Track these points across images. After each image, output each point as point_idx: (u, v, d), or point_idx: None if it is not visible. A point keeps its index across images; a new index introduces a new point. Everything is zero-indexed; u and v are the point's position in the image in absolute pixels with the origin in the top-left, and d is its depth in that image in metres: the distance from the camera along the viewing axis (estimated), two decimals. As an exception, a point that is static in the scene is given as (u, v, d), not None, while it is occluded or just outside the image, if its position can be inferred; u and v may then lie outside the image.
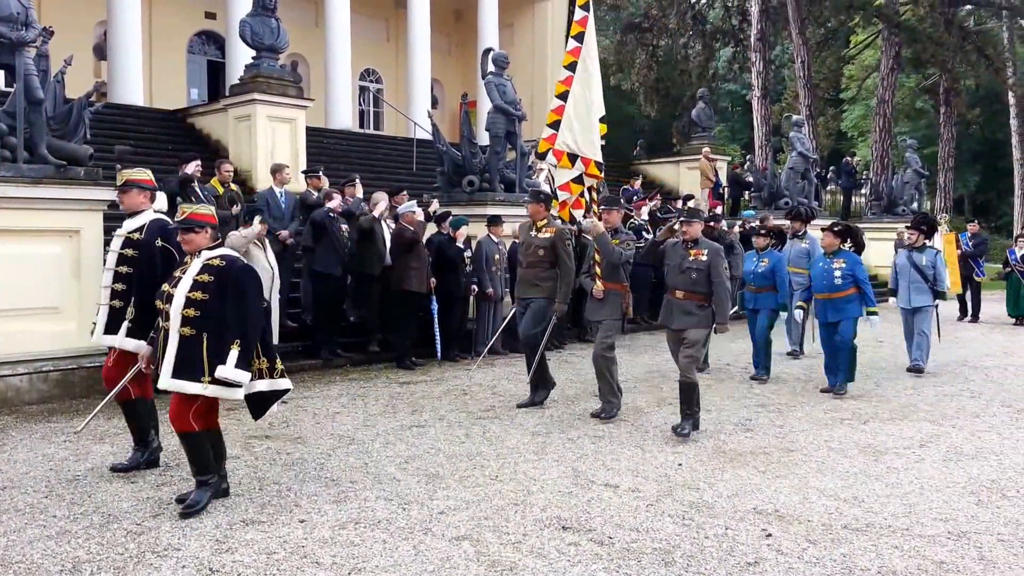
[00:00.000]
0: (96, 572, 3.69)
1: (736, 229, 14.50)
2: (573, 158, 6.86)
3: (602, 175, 7.06)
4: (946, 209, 29.62)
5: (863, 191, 21.96)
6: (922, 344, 9.19)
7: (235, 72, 15.37)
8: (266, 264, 7.82)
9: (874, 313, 7.97)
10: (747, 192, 18.74)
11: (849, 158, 22.65)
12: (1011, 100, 31.62)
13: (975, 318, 14.83)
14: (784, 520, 4.47)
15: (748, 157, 23.89)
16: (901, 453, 5.87)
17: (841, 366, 7.92)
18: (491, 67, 11.45)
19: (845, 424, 6.74)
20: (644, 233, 12.48)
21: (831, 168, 21.98)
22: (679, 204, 14.71)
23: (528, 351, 7.25)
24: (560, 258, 7.13)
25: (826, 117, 32.48)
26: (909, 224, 10.10)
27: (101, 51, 18.51)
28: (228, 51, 18.22)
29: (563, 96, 6.86)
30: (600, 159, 6.92)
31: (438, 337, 9.48)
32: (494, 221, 10.17)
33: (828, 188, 21.95)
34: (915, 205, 20.14)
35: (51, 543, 4.01)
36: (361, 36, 21.52)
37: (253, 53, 12.93)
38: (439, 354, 9.51)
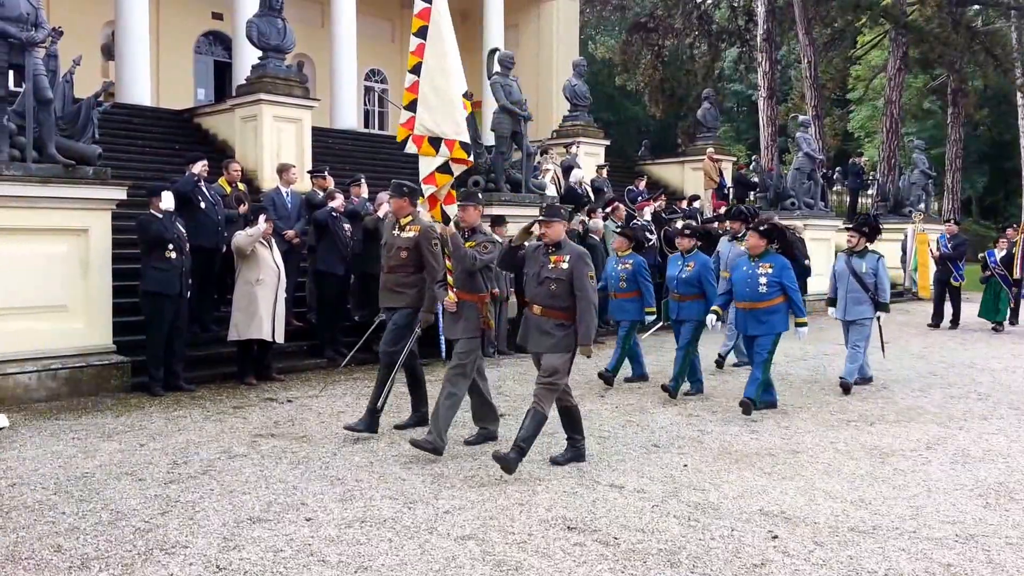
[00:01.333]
0: (104, 569, 3.71)
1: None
2: (436, 143, 5.75)
3: (470, 159, 5.98)
4: (953, 210, 29.54)
5: (869, 192, 21.90)
6: (855, 358, 8.20)
7: (242, 72, 15.40)
8: (272, 264, 7.85)
9: (803, 324, 7.15)
10: (752, 193, 18.70)
11: (856, 158, 22.54)
12: (1019, 100, 31.48)
13: (955, 324, 13.73)
14: (790, 522, 4.47)
15: (754, 158, 23.84)
16: (908, 455, 5.86)
17: (750, 382, 7.04)
18: (497, 67, 11.46)
19: (852, 426, 6.73)
20: (648, 235, 12.47)
21: (837, 169, 21.93)
22: (684, 204, 14.72)
23: (383, 371, 6.11)
24: (426, 260, 6.04)
25: (833, 117, 32.42)
26: (850, 225, 9.27)
27: (109, 51, 18.57)
28: (235, 51, 18.25)
29: (416, 69, 5.82)
30: (467, 139, 5.84)
31: (443, 337, 9.48)
32: (499, 221, 10.17)
33: (834, 189, 21.88)
34: (922, 206, 20.07)
35: (60, 539, 4.04)
36: (367, 36, 21.53)
37: (259, 53, 12.96)
38: (443, 354, 9.51)
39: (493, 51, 12.02)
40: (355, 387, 7.99)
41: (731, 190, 18.62)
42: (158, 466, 5.28)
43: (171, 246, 7.47)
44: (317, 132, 14.65)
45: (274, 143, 12.80)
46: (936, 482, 5.24)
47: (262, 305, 7.69)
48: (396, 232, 6.24)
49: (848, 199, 21.22)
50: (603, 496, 4.83)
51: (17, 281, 7.15)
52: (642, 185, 15.77)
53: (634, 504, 4.70)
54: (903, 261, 17.25)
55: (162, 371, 7.56)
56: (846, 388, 8.00)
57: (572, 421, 5.53)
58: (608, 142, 18.22)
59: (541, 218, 5.37)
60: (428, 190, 5.84)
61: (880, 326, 8.46)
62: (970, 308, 14.24)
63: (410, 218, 6.24)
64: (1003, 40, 29.75)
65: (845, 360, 8.35)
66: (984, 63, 26.85)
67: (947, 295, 13.88)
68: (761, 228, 7.19)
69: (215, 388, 7.76)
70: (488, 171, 11.23)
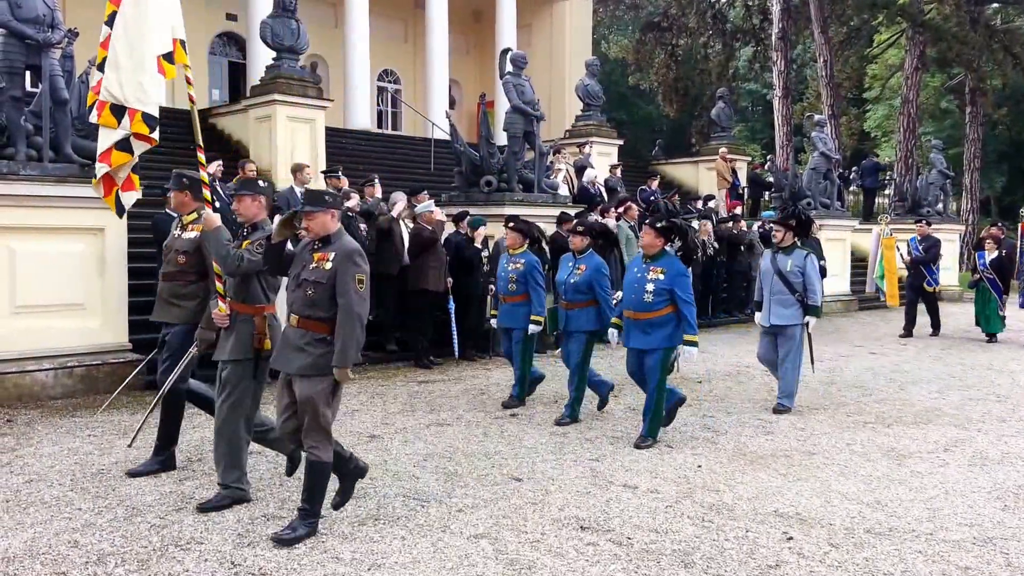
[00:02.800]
0: (120, 564, 3.73)
1: (755, 228, 14.45)
2: (119, 112, 4.69)
3: (154, 136, 4.92)
4: (972, 210, 29.27)
5: (886, 192, 21.73)
6: (788, 376, 7.14)
7: (256, 73, 15.48)
8: (287, 263, 7.86)
9: (692, 343, 5.89)
10: (767, 192, 18.61)
11: (873, 156, 22.36)
12: (1038, 99, 31.15)
13: (935, 332, 12.72)
14: (806, 523, 4.44)
15: (769, 157, 23.72)
16: (925, 457, 5.80)
17: (645, 411, 6.05)
18: (509, 67, 11.45)
19: (868, 428, 6.68)
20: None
21: (854, 168, 21.78)
22: (699, 204, 14.65)
23: (168, 408, 5.20)
24: (209, 266, 4.80)
25: (849, 117, 32.17)
26: (773, 220, 8.46)
27: (125, 52, 18.67)
28: (249, 52, 18.34)
29: (111, 20, 4.80)
30: (154, 111, 4.81)
31: (455, 336, 9.49)
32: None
33: (851, 189, 21.72)
34: (940, 206, 19.88)
35: (76, 535, 4.06)
36: (380, 37, 21.58)
37: (273, 54, 13.01)
38: (457, 353, 9.52)
39: (506, 51, 12.01)
40: (368, 386, 8.00)
41: (745, 190, 18.54)
42: (172, 463, 5.29)
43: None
44: (331, 132, 14.69)
45: (288, 143, 12.85)
46: (954, 484, 5.18)
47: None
48: (177, 232, 5.17)
49: (864, 199, 21.04)
50: (616, 496, 4.81)
51: (34, 280, 7.22)
52: (655, 185, 15.73)
53: (648, 504, 4.68)
54: (871, 265, 15.95)
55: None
56: (784, 411, 7.06)
57: (312, 480, 4.09)
58: (621, 142, 18.17)
59: (304, 207, 4.26)
60: (101, 169, 4.84)
61: (809, 334, 7.28)
62: (957, 315, 13.98)
63: (194, 216, 5.10)
64: (1022, 38, 29.44)
65: (779, 380, 7.27)
66: (1003, 61, 26.58)
67: (920, 302, 12.78)
68: (657, 225, 6.04)
69: (229, 387, 7.78)
70: (500, 171, 11.22)
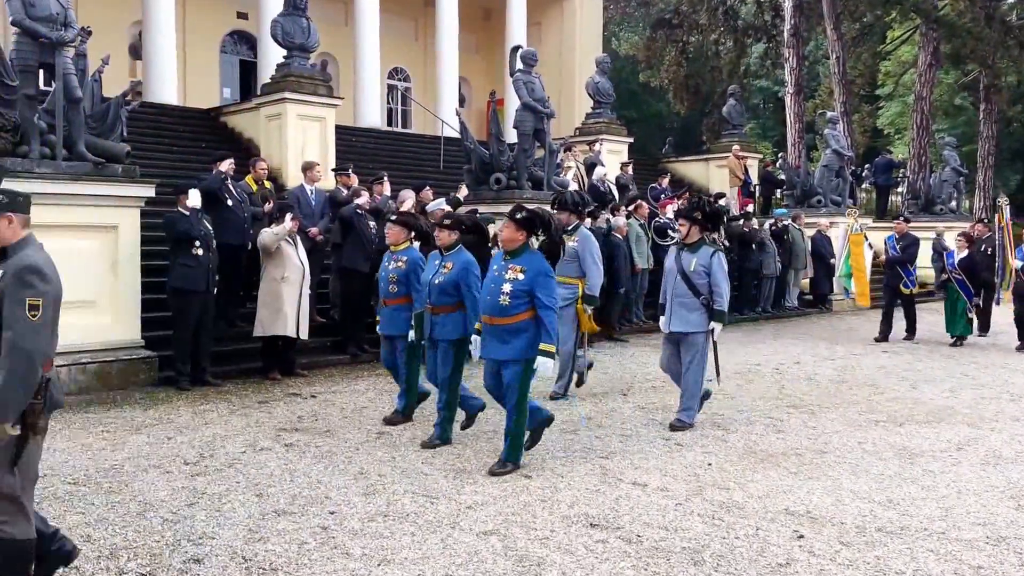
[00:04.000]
0: (133, 559, 3.76)
1: (767, 226, 14.40)
2: None
3: None
4: (985, 208, 29.02)
5: (899, 189, 21.60)
6: (689, 389, 6.36)
7: (266, 71, 15.52)
8: (297, 261, 7.91)
9: (548, 354, 5.06)
10: (779, 190, 18.52)
11: (887, 153, 22.21)
12: (1053, 97, 30.87)
13: (910, 335, 11.87)
14: (816, 522, 4.42)
15: (780, 155, 23.61)
16: (938, 456, 5.77)
17: (506, 433, 5.23)
18: (519, 64, 11.44)
19: (880, 426, 6.64)
20: (670, 232, 12.39)
21: (866, 166, 21.66)
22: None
23: None
24: None
25: (861, 114, 31.95)
26: (676, 212, 7.72)
27: (136, 51, 18.79)
28: (260, 50, 18.39)
29: None
30: None
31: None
32: (523, 218, 10.15)
33: (863, 186, 21.60)
34: (954, 204, 19.75)
35: (89, 530, 4.09)
36: (390, 35, 21.61)
37: (284, 52, 13.05)
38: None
39: (516, 48, 12.01)
40: (377, 383, 8.02)
41: (757, 188, 18.46)
42: (185, 459, 5.34)
43: (198, 243, 7.55)
44: (341, 130, 14.72)
45: (298, 141, 12.89)
46: (967, 483, 5.15)
47: (287, 302, 7.75)
48: None
49: (877, 196, 20.92)
50: (626, 494, 4.81)
51: (48, 277, 7.26)
52: (665, 183, 15.69)
53: (657, 502, 4.68)
54: (834, 265, 14.79)
55: (189, 366, 7.65)
56: (680, 428, 6.26)
57: (5, 564, 3.12)
58: (631, 139, 18.12)
59: None
60: None
61: (715, 342, 6.41)
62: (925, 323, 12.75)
63: None
64: (1038, 35, 29.17)
65: (680, 393, 6.47)
66: (1018, 58, 26.35)
67: (896, 304, 11.89)
68: (517, 216, 5.13)
69: (240, 383, 7.83)
70: (510, 169, 11.22)
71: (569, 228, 7.22)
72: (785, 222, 14.57)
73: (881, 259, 12.74)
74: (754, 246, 13.74)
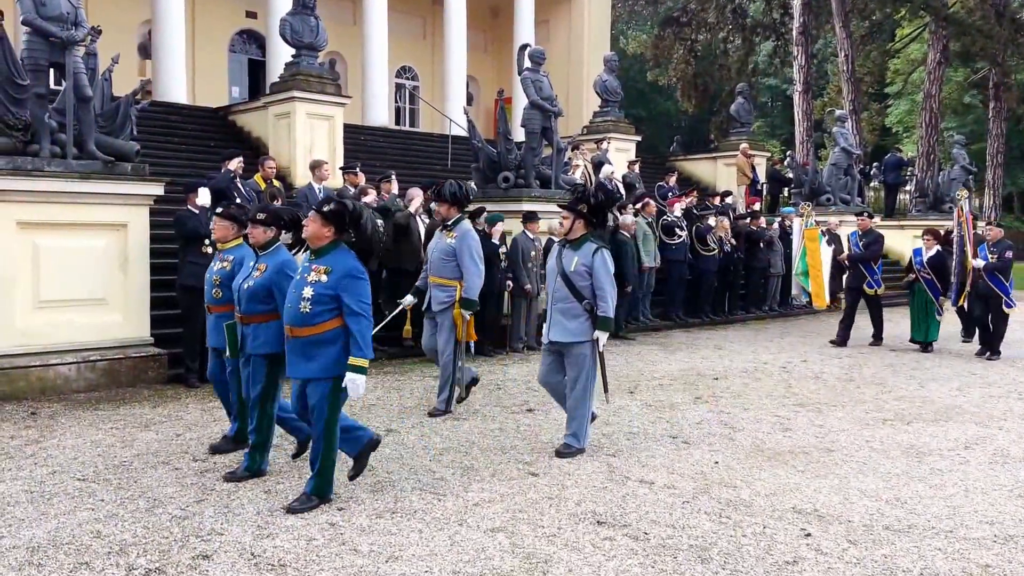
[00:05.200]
0: (142, 554, 3.78)
1: (775, 226, 14.36)
2: None
3: None
4: (995, 207, 28.89)
5: (907, 188, 21.53)
6: (577, 408, 5.53)
7: (275, 70, 15.58)
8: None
9: (358, 369, 4.36)
10: (787, 188, 18.47)
11: (896, 151, 22.11)
12: (1064, 95, 30.69)
13: (877, 340, 11.19)
14: (824, 520, 4.42)
15: (788, 153, 23.55)
16: (945, 455, 5.76)
17: (312, 462, 4.49)
18: (527, 63, 11.44)
19: (887, 425, 6.63)
20: (677, 231, 12.39)
21: (875, 164, 21.58)
22: (716, 201, 14.60)
23: None
24: None
25: (870, 112, 31.88)
26: (560, 204, 6.66)
27: (146, 50, 18.88)
28: (268, 49, 18.45)
29: None
30: None
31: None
32: (529, 217, 10.18)
33: (872, 184, 21.53)
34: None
35: (99, 526, 4.13)
36: (398, 33, 21.64)
37: (293, 51, 13.09)
38: (473, 349, 9.53)
39: (524, 47, 12.01)
40: (385, 380, 8.04)
41: (765, 186, 18.42)
42: (194, 455, 5.37)
43: (207, 241, 7.58)
44: (349, 129, 14.77)
45: (307, 140, 12.93)
46: (974, 482, 5.14)
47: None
48: None
49: (885, 194, 20.85)
50: (633, 491, 4.82)
51: (58, 275, 7.32)
52: (673, 181, 15.66)
53: (664, 500, 4.68)
54: (789, 263, 13.69)
55: (198, 363, 7.68)
56: (568, 454, 5.48)
57: None
58: (639, 138, 18.11)
59: None
60: None
61: (600, 353, 5.51)
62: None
63: None
64: (1048, 32, 29.00)
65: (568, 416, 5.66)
66: (1028, 56, 26.23)
67: (867, 305, 11.30)
68: (324, 209, 4.44)
69: (249, 381, 7.85)
70: (518, 167, 11.23)
71: (449, 223, 6.61)
72: (791, 220, 14.52)
73: (842, 257, 11.97)
74: (762, 244, 13.72)
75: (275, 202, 9.21)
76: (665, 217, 12.60)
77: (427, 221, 9.48)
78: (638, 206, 12.18)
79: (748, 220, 14.05)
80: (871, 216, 12.16)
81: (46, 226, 7.31)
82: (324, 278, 4.36)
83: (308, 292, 4.35)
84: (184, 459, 5.30)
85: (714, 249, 12.76)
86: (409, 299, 6.92)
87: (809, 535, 4.19)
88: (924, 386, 8.29)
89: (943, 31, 25.44)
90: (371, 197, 9.19)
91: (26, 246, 7.20)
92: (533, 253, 10.04)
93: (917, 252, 10.88)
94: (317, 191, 9.56)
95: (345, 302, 4.36)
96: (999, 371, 9.26)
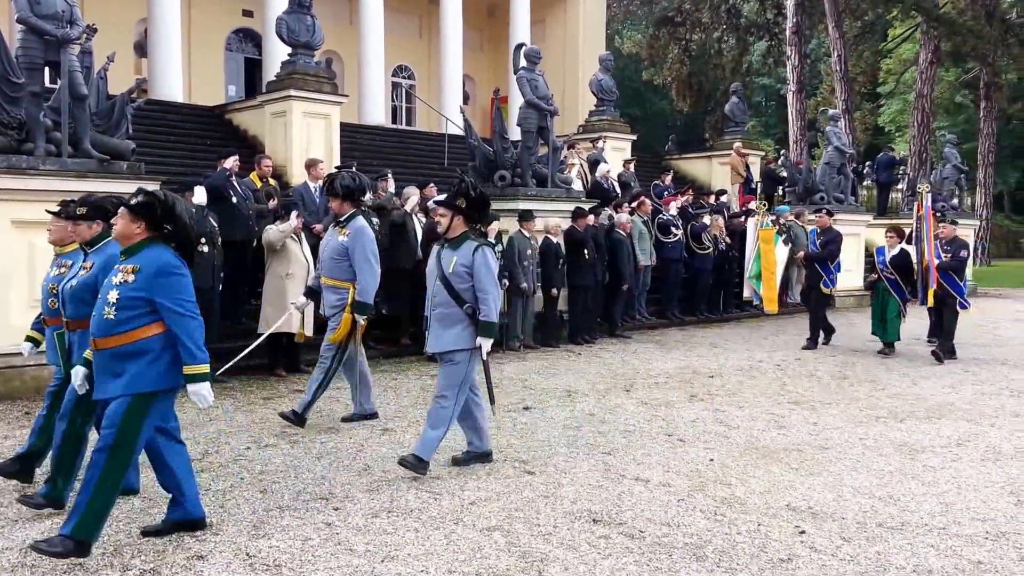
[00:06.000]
0: (137, 555, 3.79)
1: (769, 223, 14.38)
2: None
3: None
4: (986, 205, 29.01)
5: (900, 187, 21.61)
6: (438, 418, 5.00)
7: (271, 69, 15.57)
8: (302, 258, 7.93)
9: (198, 378, 3.84)
10: (781, 187, 18.52)
11: (889, 150, 22.21)
12: (1055, 94, 30.86)
13: (813, 343, 10.68)
14: (818, 517, 4.45)
15: (782, 152, 23.61)
16: (938, 452, 5.79)
17: (83, 493, 3.68)
18: (523, 62, 11.46)
19: (881, 422, 6.67)
20: (673, 229, 12.43)
21: (868, 163, 21.66)
22: (711, 199, 14.63)
23: None
24: None
25: (863, 112, 32.00)
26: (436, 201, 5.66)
27: (142, 48, 18.83)
28: (265, 48, 18.42)
29: None
30: None
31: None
32: (525, 216, 10.20)
33: (865, 183, 21.61)
34: (955, 201, 19.75)
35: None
36: (394, 32, 21.62)
37: (289, 50, 13.08)
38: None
39: (519, 46, 12.02)
40: (381, 380, 8.05)
41: (759, 185, 18.47)
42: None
43: (203, 240, 7.58)
44: (345, 128, 14.74)
45: (303, 138, 12.92)
46: (967, 479, 5.17)
47: (292, 299, 7.78)
48: None
49: (878, 193, 20.94)
50: (628, 489, 4.84)
51: (53, 274, 7.30)
52: (668, 180, 15.70)
53: (660, 498, 4.71)
54: (742, 263, 13.05)
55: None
56: (413, 467, 4.94)
57: None
58: (635, 137, 18.14)
59: None
60: None
61: (485, 362, 5.06)
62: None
63: None
64: (1039, 32, 29.13)
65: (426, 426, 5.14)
66: (1018, 56, 26.36)
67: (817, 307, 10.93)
68: (132, 202, 3.86)
69: (245, 380, 7.86)
70: (514, 166, 11.25)
71: (341, 219, 6.07)
72: (788, 219, 14.57)
73: (800, 255, 11.56)
74: (756, 243, 13.74)
75: (271, 201, 9.24)
76: (661, 216, 12.63)
77: (423, 220, 9.50)
78: (634, 205, 12.22)
79: (743, 219, 14.09)
80: (831, 214, 11.87)
81: (41, 225, 7.26)
82: (131, 278, 3.73)
83: (113, 296, 3.72)
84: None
85: (709, 248, 12.80)
86: (302, 301, 6.45)
87: (803, 532, 4.21)
88: (917, 384, 8.33)
89: (934, 31, 25.55)
90: (367, 196, 9.20)
91: (22, 245, 7.19)
92: (529, 252, 10.06)
93: (880, 251, 10.40)
94: (313, 190, 9.57)
95: (161, 303, 3.72)
96: (991, 369, 9.31)
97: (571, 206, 11.06)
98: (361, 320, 6.09)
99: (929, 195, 10.72)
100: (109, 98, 8.17)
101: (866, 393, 7.84)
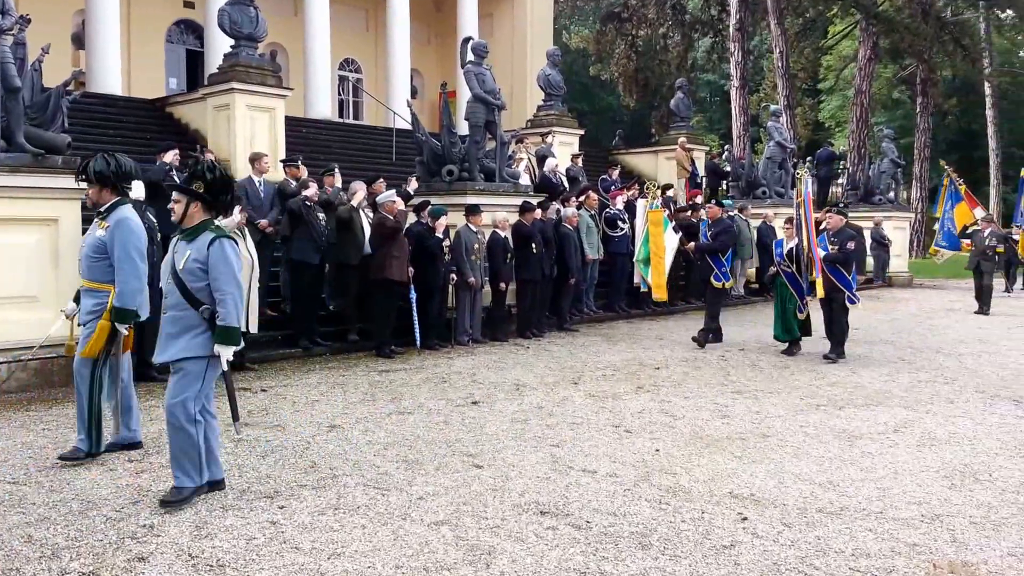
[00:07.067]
0: (75, 558, 3.69)
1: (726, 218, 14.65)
2: None
3: None
4: (922, 198, 29.93)
5: (840, 181, 22.18)
6: (184, 445, 4.37)
7: (214, 61, 15.23)
8: (246, 254, 7.79)
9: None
10: (725, 182, 18.85)
11: (829, 145, 22.79)
12: (987, 90, 32.02)
13: (703, 340, 10.08)
14: (760, 504, 4.54)
15: (726, 147, 24.02)
16: (876, 438, 5.97)
17: None
18: (471, 56, 11.43)
19: (821, 410, 6.84)
20: (620, 223, 12.54)
21: (808, 158, 22.18)
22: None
23: None
24: None
25: (804, 107, 32.77)
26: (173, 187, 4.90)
27: (79, 40, 18.27)
28: (207, 40, 18.03)
29: None
30: None
31: (417, 326, 9.50)
32: (472, 210, 10.20)
33: (806, 178, 22.10)
34: (892, 194, 20.36)
35: (30, 530, 4.00)
36: (340, 25, 21.36)
37: (232, 42, 12.83)
38: (418, 343, 9.53)
39: (467, 40, 11.99)
40: (329, 376, 7.97)
41: (704, 179, 18.77)
42: (129, 456, 5.24)
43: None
44: (291, 121, 14.54)
45: (247, 132, 12.68)
46: (903, 464, 5.34)
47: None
48: None
49: (818, 187, 21.45)
50: (576, 481, 4.88)
51: (-16, 272, 7.05)
52: (615, 174, 15.84)
53: (606, 488, 4.76)
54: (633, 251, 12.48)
55: (134, 361, 7.48)
56: (168, 503, 4.29)
57: None
58: (582, 131, 18.25)
59: None
60: None
61: (226, 373, 4.44)
62: (907, 300, 11.79)
63: None
64: (971, 30, 30.22)
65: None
66: (952, 53, 27.25)
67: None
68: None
69: (188, 379, 7.69)
70: (462, 160, 11.22)
71: (102, 209, 5.15)
72: (731, 213, 14.83)
73: (690, 246, 10.99)
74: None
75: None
76: (608, 210, 12.74)
77: (371, 215, 9.42)
78: (580, 198, 12.30)
79: (688, 212, 14.29)
80: (722, 205, 11.48)
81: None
82: None
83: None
84: (119, 460, 5.17)
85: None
86: (71, 306, 5.42)
87: (746, 519, 4.30)
88: (856, 372, 8.57)
89: (873, 28, 26.25)
90: (312, 191, 9.10)
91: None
92: (476, 246, 10.06)
93: (779, 244, 9.93)
94: (258, 184, 9.42)
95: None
96: (927, 357, 9.62)
97: (519, 200, 11.08)
98: (123, 330, 5.06)
99: (808, 181, 10.23)
100: (44, 91, 7.90)
101: (807, 382, 8.04)
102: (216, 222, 4.48)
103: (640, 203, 11.87)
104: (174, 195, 4.46)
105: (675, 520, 4.27)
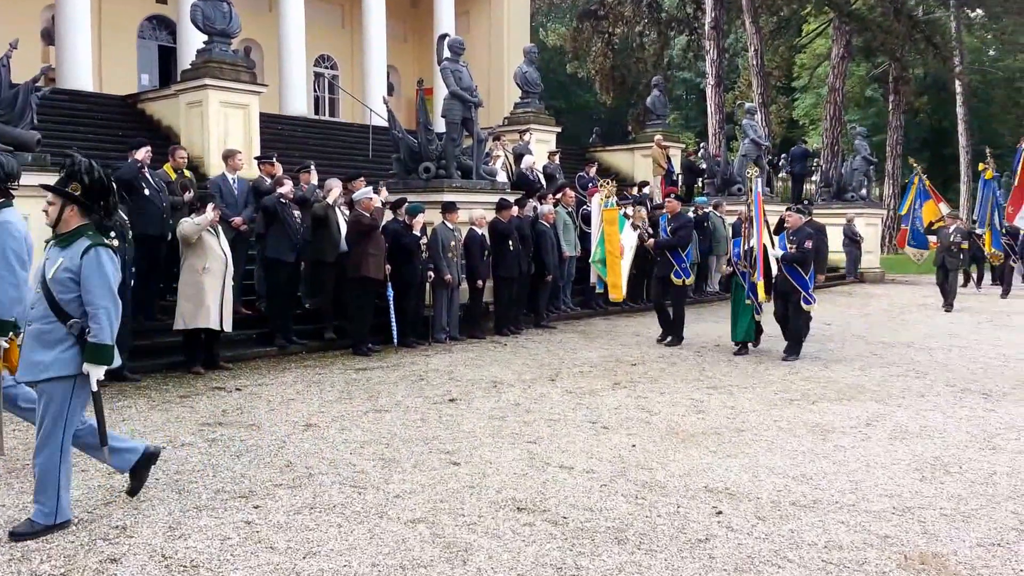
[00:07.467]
0: (46, 560, 3.64)
1: (689, 214, 14.71)
2: None
3: None
4: (894, 195, 30.31)
5: (813, 178, 22.42)
6: (49, 477, 3.93)
7: (187, 57, 15.07)
8: (219, 251, 7.73)
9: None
10: (700, 179, 18.97)
11: (803, 143, 23.03)
12: (957, 88, 32.45)
13: (667, 338, 10.10)
14: (734, 498, 4.58)
15: (701, 144, 24.17)
16: (848, 432, 6.04)
17: None
18: (447, 53, 11.40)
19: (794, 404, 6.91)
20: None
21: (782, 155, 22.39)
22: (634, 191, 14.85)
23: None
24: None
25: (778, 105, 33.02)
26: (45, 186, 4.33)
27: (49, 36, 17.98)
28: (179, 36, 17.83)
29: None
30: None
31: (394, 324, 9.47)
32: (449, 208, 10.17)
33: (780, 175, 22.34)
34: (864, 191, 20.60)
35: (0, 532, 3.95)
36: (316, 22, 21.20)
37: (205, 38, 12.70)
38: (396, 340, 9.50)
39: (443, 37, 11.94)
40: (305, 375, 7.92)
41: (680, 176, 18.87)
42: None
43: (113, 234, 7.28)
44: (266, 118, 14.42)
45: (221, 129, 12.57)
46: (875, 457, 5.41)
47: (209, 294, 7.58)
48: None
49: (792, 184, 21.68)
50: (553, 477, 4.89)
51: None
52: (592, 171, 15.85)
53: (583, 484, 4.77)
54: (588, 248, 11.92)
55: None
56: (18, 536, 3.86)
57: None
58: (559, 129, 18.28)
59: None
60: None
61: (96, 393, 3.96)
62: (879, 296, 11.52)
63: None
64: (942, 29, 30.62)
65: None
66: (924, 51, 27.60)
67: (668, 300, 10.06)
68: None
69: (161, 378, 7.62)
70: (439, 157, 11.19)
71: None
72: (706, 210, 14.93)
73: (649, 243, 10.77)
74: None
75: (187, 193, 8.96)
76: (585, 207, 12.77)
77: (347, 213, 9.37)
78: (557, 195, 12.31)
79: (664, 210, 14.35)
80: (682, 200, 10.94)
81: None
82: None
83: None
84: (90, 460, 5.08)
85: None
86: None
87: (720, 513, 4.34)
88: (829, 367, 8.66)
89: (846, 27, 26.52)
90: (287, 188, 9.03)
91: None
92: (453, 243, 10.04)
93: (736, 243, 9.67)
94: (231, 181, 9.33)
95: None
96: (898, 352, 9.75)
97: (496, 197, 11.07)
98: (2, 342, 4.55)
99: (759, 179, 10.04)
100: (12, 87, 7.77)
101: (780, 376, 8.11)
102: (94, 228, 3.99)
103: (595, 200, 11.40)
104: (48, 196, 3.99)
105: (651, 515, 4.30)
